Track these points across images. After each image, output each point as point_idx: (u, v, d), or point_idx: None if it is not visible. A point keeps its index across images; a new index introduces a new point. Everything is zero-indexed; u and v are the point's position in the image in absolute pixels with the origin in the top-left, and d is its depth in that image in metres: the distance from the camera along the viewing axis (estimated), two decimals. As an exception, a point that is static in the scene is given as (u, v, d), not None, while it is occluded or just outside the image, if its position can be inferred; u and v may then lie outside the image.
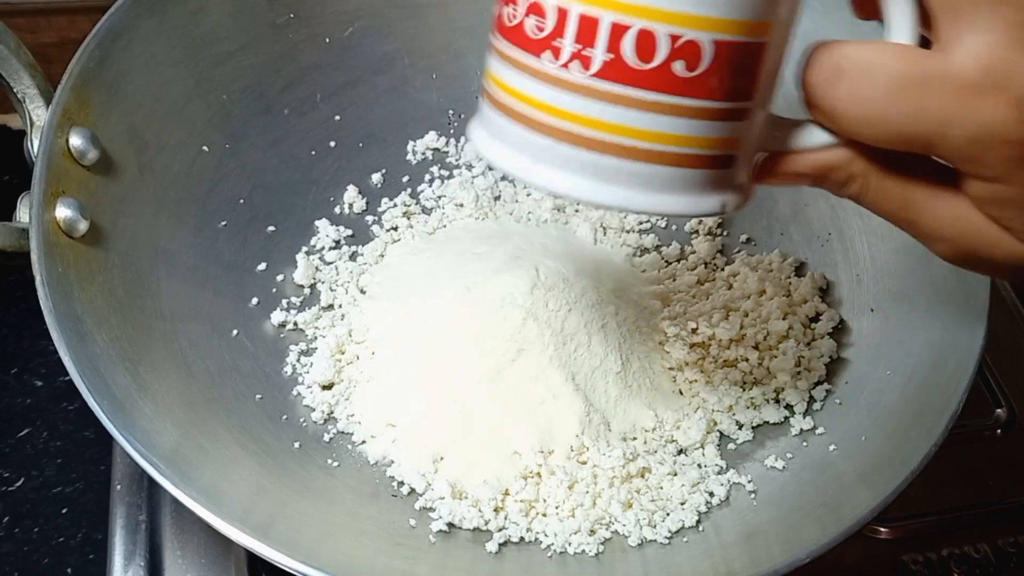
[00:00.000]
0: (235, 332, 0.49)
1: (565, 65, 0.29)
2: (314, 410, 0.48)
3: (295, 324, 0.51)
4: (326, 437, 0.47)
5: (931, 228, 0.32)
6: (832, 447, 0.46)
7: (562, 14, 0.29)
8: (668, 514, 0.44)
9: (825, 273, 0.53)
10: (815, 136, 0.32)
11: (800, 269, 0.54)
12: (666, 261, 0.56)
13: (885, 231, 0.50)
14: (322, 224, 0.55)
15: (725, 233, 0.57)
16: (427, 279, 0.50)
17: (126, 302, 0.44)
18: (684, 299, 0.53)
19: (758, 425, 0.48)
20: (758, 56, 0.30)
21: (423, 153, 0.58)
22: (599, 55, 0.29)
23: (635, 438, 0.47)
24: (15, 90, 0.43)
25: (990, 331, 0.43)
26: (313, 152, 0.56)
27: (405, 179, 0.58)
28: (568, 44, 0.29)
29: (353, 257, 0.54)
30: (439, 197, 0.57)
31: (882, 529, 0.52)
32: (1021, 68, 0.27)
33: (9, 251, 0.40)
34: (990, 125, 0.28)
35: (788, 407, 0.49)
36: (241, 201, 0.53)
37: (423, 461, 0.46)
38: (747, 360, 0.50)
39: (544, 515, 0.44)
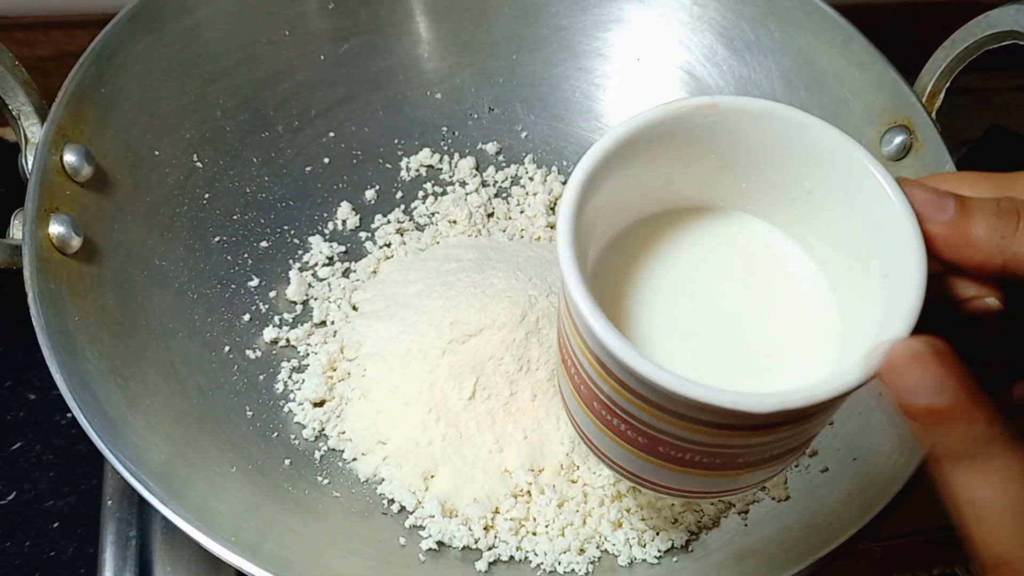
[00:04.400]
0: (227, 348, 0.49)
1: None
2: (305, 427, 0.48)
3: (287, 340, 0.51)
4: (317, 454, 0.47)
5: None
6: (823, 468, 0.46)
7: None
8: (658, 533, 0.44)
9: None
10: None
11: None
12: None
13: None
14: (315, 240, 0.55)
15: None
16: (420, 296, 0.50)
17: (118, 318, 0.44)
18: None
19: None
20: None
21: (417, 170, 0.58)
22: None
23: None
24: (10, 107, 0.43)
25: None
26: (307, 168, 0.56)
27: (399, 196, 0.58)
28: None
29: (346, 273, 0.54)
30: (432, 214, 0.57)
31: (875, 547, 0.52)
32: None
33: (1, 268, 0.40)
34: None
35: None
36: (235, 217, 0.53)
37: (414, 479, 0.46)
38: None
39: (534, 534, 0.44)
